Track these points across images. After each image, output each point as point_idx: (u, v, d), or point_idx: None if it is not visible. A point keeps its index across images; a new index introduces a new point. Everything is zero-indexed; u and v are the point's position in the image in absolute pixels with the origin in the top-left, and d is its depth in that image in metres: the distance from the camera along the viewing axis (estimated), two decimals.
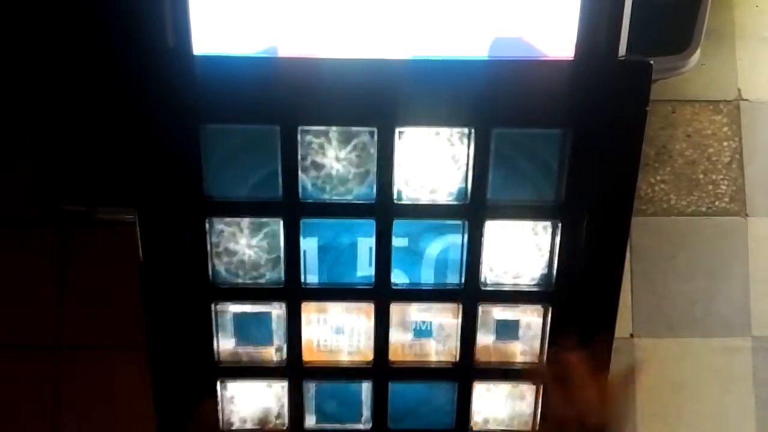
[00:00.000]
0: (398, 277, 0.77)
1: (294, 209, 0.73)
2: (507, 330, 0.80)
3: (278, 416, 0.81)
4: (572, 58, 0.69)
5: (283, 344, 0.78)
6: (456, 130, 0.72)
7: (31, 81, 0.81)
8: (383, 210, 0.73)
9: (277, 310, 0.78)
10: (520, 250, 0.77)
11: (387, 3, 0.69)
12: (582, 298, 0.75)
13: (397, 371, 0.79)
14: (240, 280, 0.77)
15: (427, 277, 0.77)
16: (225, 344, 0.79)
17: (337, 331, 0.79)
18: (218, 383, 0.79)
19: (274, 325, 0.78)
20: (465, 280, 0.76)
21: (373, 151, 0.72)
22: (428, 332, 0.80)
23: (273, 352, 0.79)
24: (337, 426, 0.82)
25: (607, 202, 0.73)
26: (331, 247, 0.76)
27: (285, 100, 0.70)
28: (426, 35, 0.70)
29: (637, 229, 1.48)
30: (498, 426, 0.83)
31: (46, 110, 0.81)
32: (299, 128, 0.71)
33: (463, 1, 0.69)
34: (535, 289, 0.77)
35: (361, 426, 0.82)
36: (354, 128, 0.72)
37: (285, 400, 0.80)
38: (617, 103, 0.70)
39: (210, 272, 0.75)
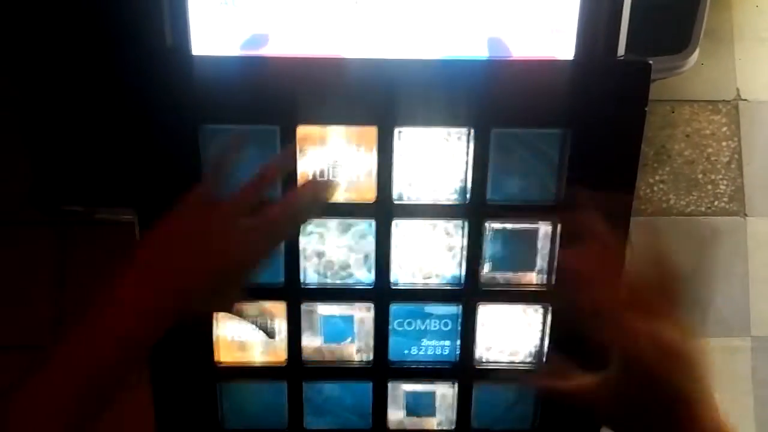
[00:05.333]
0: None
1: None
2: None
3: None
4: (571, 58, 0.69)
5: (284, 344, 0.78)
6: (455, 130, 0.72)
7: (29, 80, 0.81)
8: (383, 210, 0.73)
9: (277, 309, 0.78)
10: (519, 250, 0.76)
11: (387, 3, 0.69)
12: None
13: (399, 371, 0.79)
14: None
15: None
16: (224, 343, 0.79)
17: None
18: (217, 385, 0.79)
19: (275, 326, 0.78)
20: (465, 279, 0.76)
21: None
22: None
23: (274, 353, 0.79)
24: (338, 426, 0.82)
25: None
26: None
27: (284, 100, 0.69)
28: (425, 35, 0.70)
29: (637, 229, 1.48)
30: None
31: (44, 110, 0.81)
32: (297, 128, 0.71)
33: (462, 1, 0.69)
34: (534, 289, 0.77)
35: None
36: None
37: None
38: (616, 103, 0.70)
39: None
